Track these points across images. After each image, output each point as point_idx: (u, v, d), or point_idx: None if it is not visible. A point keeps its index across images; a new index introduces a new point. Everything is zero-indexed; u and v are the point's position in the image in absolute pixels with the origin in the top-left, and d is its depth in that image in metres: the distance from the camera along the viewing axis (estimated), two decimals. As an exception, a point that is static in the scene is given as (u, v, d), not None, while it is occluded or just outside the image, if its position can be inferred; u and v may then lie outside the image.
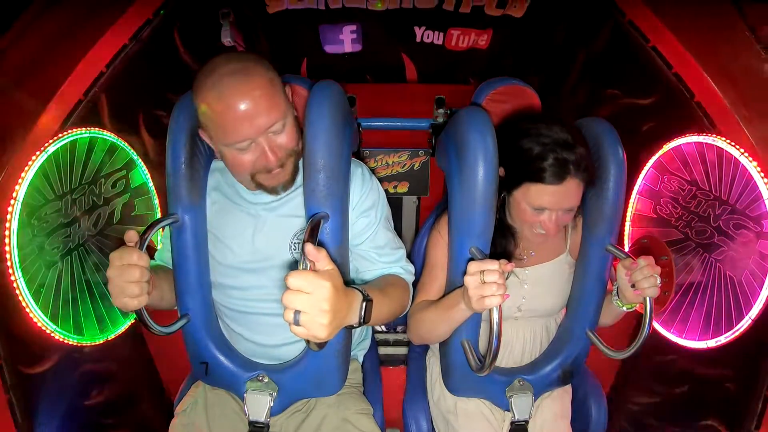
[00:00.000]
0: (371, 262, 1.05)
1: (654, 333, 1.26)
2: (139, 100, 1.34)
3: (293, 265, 1.00)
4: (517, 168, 0.99)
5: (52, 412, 1.05)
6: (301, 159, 0.94)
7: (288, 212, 1.01)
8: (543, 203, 0.97)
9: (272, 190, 0.96)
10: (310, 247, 0.70)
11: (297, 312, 0.66)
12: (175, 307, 1.05)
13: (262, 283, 1.01)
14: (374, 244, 1.05)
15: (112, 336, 1.22)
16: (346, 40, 1.90)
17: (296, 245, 1.00)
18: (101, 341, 1.18)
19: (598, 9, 1.47)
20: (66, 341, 1.07)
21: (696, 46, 1.16)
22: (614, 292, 1.05)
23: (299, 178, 1.00)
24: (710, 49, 1.15)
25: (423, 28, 1.88)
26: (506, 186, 1.02)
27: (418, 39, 1.91)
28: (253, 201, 1.02)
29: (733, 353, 1.10)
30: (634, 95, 1.38)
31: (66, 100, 1.07)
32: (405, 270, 1.08)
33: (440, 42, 1.91)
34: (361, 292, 0.80)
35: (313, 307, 0.67)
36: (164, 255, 1.10)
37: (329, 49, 1.90)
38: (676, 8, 1.23)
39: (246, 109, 0.84)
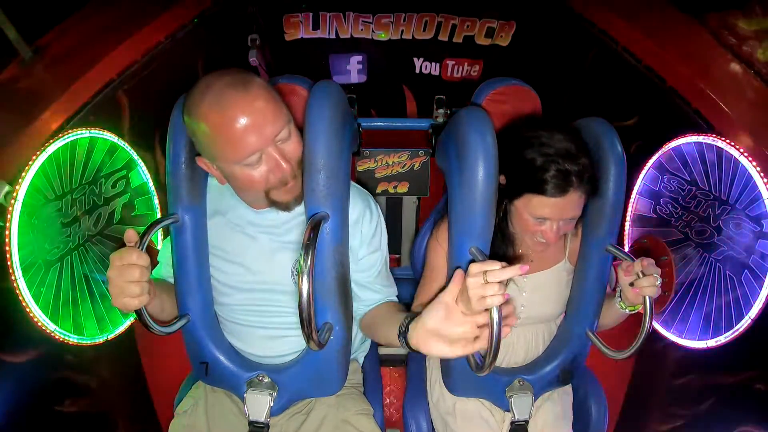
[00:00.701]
0: (375, 292, 1.08)
1: (666, 355, 1.27)
2: (158, 119, 1.33)
3: (292, 287, 1.00)
4: (519, 178, 0.98)
5: (14, 400, 1.03)
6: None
7: (289, 239, 1.00)
8: (544, 214, 0.97)
9: (286, 207, 0.94)
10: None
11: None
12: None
13: (259, 302, 1.01)
14: (378, 279, 1.08)
15: (112, 336, 1.22)
16: (352, 71, 2.07)
17: (296, 272, 0.99)
18: (101, 341, 1.18)
19: (572, 33, 1.59)
20: (65, 341, 1.07)
21: (663, 42, 1.26)
22: (617, 295, 1.05)
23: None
24: (677, 47, 1.25)
25: (421, 59, 2.07)
26: (507, 195, 1.02)
27: (417, 70, 2.09)
28: (255, 223, 1.00)
29: (752, 352, 1.09)
30: (618, 119, 1.41)
31: (90, 85, 1.09)
32: (396, 297, 1.14)
33: (437, 72, 2.10)
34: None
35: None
36: (162, 270, 1.09)
37: (337, 79, 2.03)
38: (641, 17, 1.37)
39: (252, 120, 0.81)
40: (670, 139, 1.24)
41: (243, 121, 0.81)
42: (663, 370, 1.32)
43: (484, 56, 2.03)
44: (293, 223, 1.00)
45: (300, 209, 0.97)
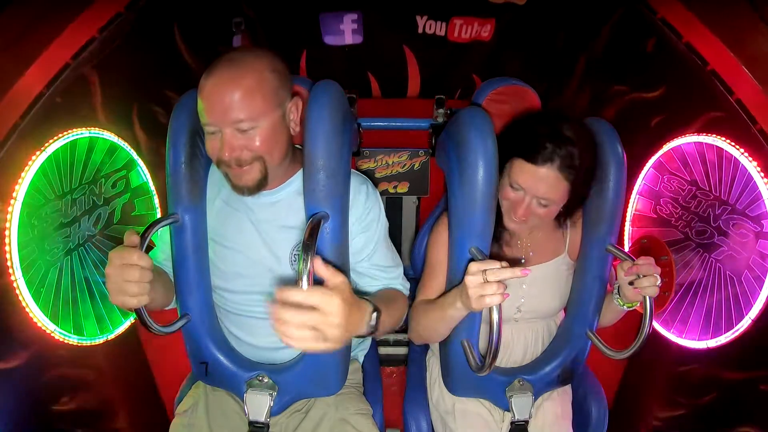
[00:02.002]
0: (372, 278, 1.06)
1: (668, 344, 1.25)
2: (134, 91, 1.30)
3: (292, 273, 1.00)
4: (514, 140, 1.00)
5: (10, 411, 1.01)
6: (270, 168, 0.94)
7: (286, 221, 1.01)
8: (519, 180, 0.98)
9: (236, 188, 0.95)
10: (319, 265, 0.71)
11: (301, 329, 0.67)
12: (168, 307, 1.05)
13: (261, 288, 1.01)
14: (373, 262, 1.05)
15: (112, 336, 1.22)
16: (346, 30, 1.84)
17: (296, 257, 1.00)
18: (101, 341, 1.18)
19: None
20: (65, 341, 1.07)
21: (707, 18, 1.10)
22: (615, 291, 1.05)
23: (293, 185, 1.01)
24: (721, 23, 1.09)
25: (425, 17, 1.83)
26: (501, 157, 1.01)
27: (420, 30, 1.85)
28: (253, 207, 1.01)
29: (759, 350, 1.07)
30: (641, 89, 1.35)
31: (52, 62, 1.01)
32: (403, 286, 1.10)
33: (443, 33, 1.86)
34: (370, 302, 0.82)
35: (325, 325, 0.68)
36: (157, 256, 1.09)
37: (329, 40, 1.84)
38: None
39: (220, 97, 0.85)
40: (696, 118, 1.17)
41: (214, 95, 0.86)
42: (664, 357, 1.30)
43: (496, 14, 1.80)
44: (285, 203, 1.01)
45: (293, 189, 1.00)
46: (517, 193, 1.00)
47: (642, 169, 1.35)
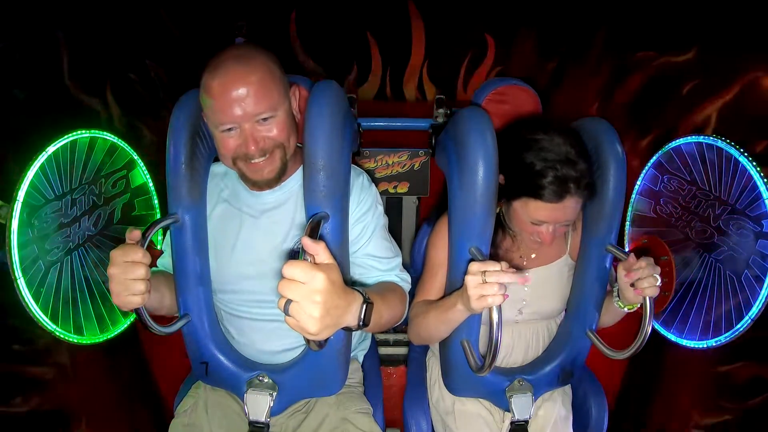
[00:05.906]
0: (366, 269, 1.04)
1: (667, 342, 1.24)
2: (109, 56, 1.25)
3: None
4: (518, 181, 0.99)
5: None
6: (288, 156, 0.95)
7: (290, 220, 1.01)
8: (540, 218, 0.98)
9: (254, 184, 0.96)
10: (308, 240, 0.69)
11: (289, 301, 0.64)
12: (174, 314, 1.05)
13: (261, 289, 1.01)
14: (368, 252, 1.04)
15: (112, 336, 1.22)
16: None
17: (297, 253, 1.00)
18: (101, 341, 1.18)
19: None
20: (65, 341, 1.07)
21: None
22: (615, 293, 1.05)
23: (292, 183, 1.01)
24: None
25: None
26: (506, 195, 1.03)
27: None
28: (254, 206, 1.01)
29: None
30: (669, 50, 1.21)
31: None
32: (401, 279, 1.07)
33: None
34: (361, 293, 0.77)
35: (305, 298, 0.64)
36: (166, 261, 1.09)
37: None
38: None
39: (237, 93, 0.85)
40: (737, 78, 1.04)
41: (229, 91, 0.86)
42: (666, 357, 1.24)
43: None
44: (286, 201, 1.01)
45: (293, 186, 1.01)
46: (539, 226, 1.00)
47: (642, 169, 1.34)
